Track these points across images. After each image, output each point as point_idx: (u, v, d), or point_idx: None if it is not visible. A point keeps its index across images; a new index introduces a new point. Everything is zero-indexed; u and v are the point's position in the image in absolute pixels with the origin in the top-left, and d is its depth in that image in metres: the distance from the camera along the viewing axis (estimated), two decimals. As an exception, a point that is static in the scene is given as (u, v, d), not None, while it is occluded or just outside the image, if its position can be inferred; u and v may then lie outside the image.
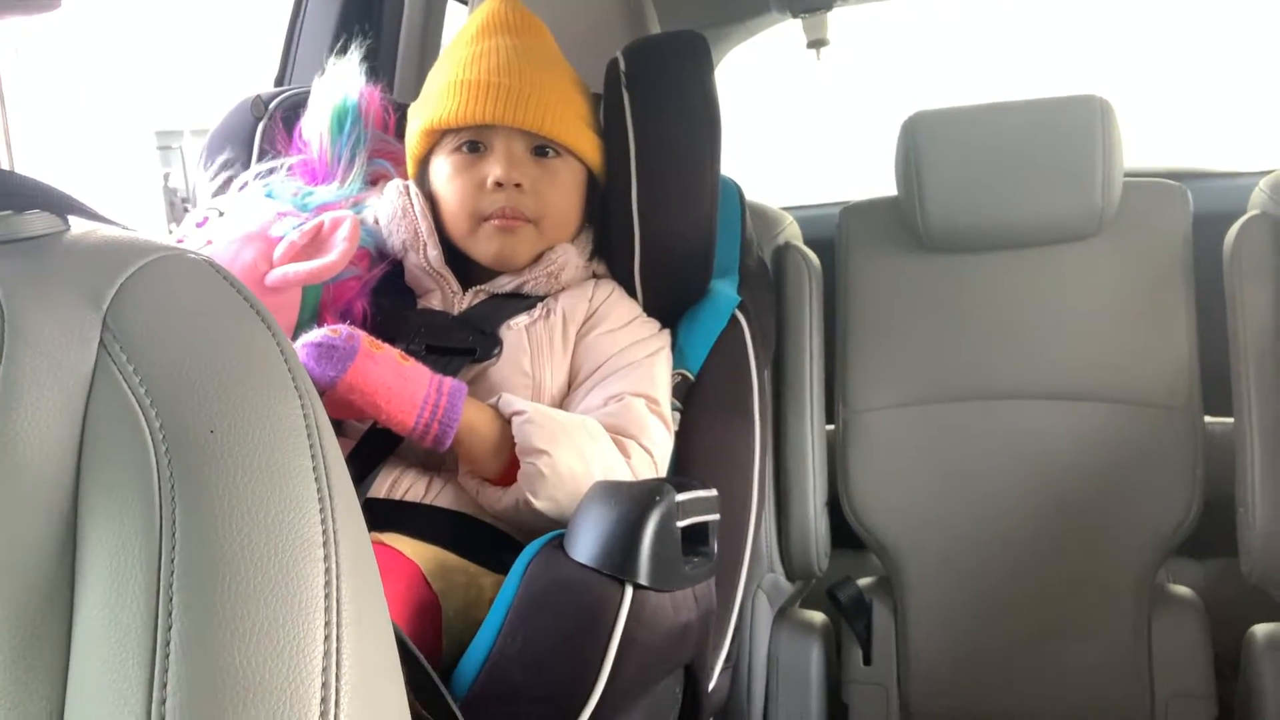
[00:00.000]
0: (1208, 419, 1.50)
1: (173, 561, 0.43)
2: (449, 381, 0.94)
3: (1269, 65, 2.47)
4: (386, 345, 0.93)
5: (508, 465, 0.96)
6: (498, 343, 1.05)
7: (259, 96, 1.26)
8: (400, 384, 0.90)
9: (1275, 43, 2.39)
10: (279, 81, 1.65)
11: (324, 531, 0.46)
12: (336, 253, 0.99)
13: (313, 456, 0.47)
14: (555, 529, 0.91)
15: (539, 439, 0.93)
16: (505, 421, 0.96)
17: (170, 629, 0.42)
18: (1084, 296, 1.54)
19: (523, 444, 0.93)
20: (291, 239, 1.00)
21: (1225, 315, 1.44)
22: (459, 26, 1.22)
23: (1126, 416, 1.50)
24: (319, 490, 0.47)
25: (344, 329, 0.89)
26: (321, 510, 0.46)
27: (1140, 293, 1.52)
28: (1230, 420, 1.44)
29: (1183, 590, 1.52)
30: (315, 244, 1.01)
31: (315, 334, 0.89)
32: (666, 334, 1.13)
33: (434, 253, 1.09)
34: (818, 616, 1.62)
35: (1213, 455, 1.47)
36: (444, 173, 1.09)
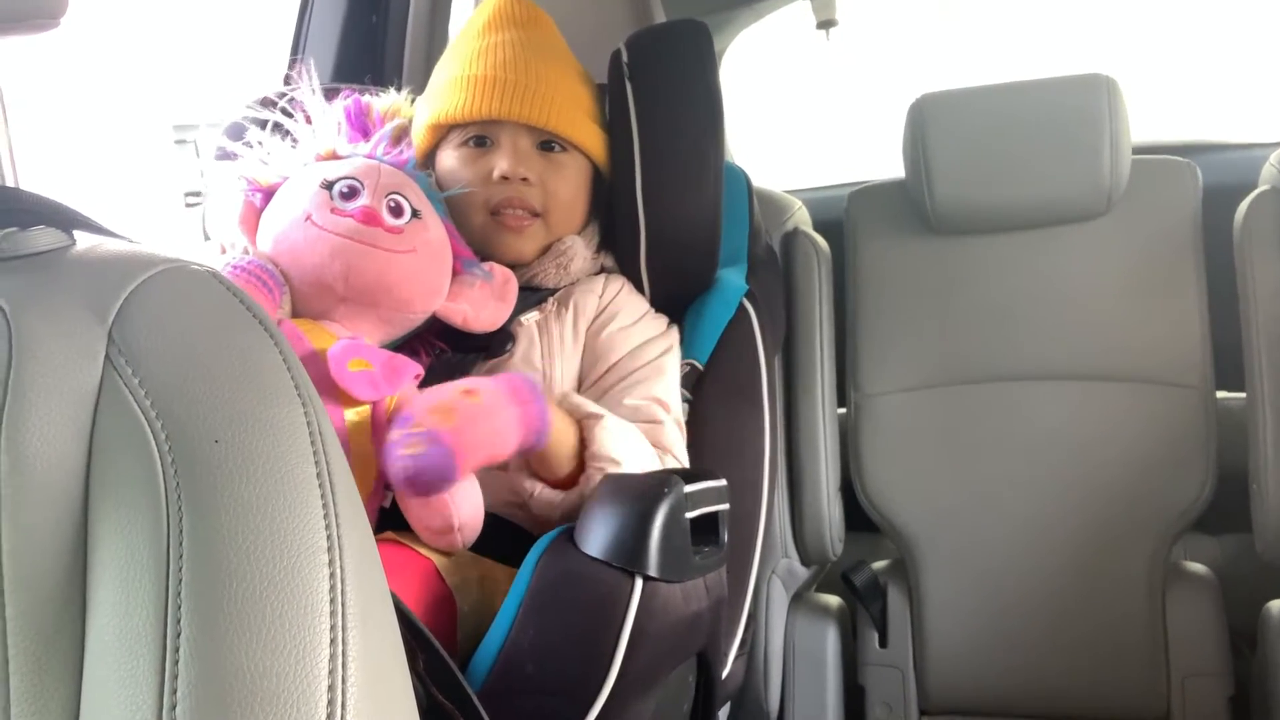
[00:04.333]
0: (1221, 395, 1.50)
1: (180, 570, 0.44)
2: (533, 404, 0.87)
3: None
4: (443, 393, 0.86)
5: (576, 468, 0.95)
6: (510, 339, 1.06)
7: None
8: (488, 440, 0.85)
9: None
10: (288, 75, 1.66)
11: (328, 537, 0.47)
12: (509, 309, 1.04)
13: (316, 463, 0.48)
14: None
15: (616, 447, 0.93)
16: (576, 423, 0.95)
17: (179, 636, 0.43)
18: (1094, 276, 1.53)
19: (599, 450, 0.93)
20: (483, 281, 1.03)
21: (1237, 290, 1.43)
22: (465, 17, 1.22)
23: (1139, 395, 1.50)
24: (323, 496, 0.48)
25: (423, 438, 0.81)
26: (326, 516, 0.47)
27: (1151, 271, 1.51)
28: (1243, 396, 1.44)
29: (1198, 567, 1.52)
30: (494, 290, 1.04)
31: (400, 463, 0.81)
32: (675, 331, 1.14)
33: None
34: (833, 600, 1.62)
35: (1226, 431, 1.47)
36: (450, 166, 1.10)
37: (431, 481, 0.82)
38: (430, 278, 0.97)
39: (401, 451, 0.81)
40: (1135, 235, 1.52)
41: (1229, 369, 1.47)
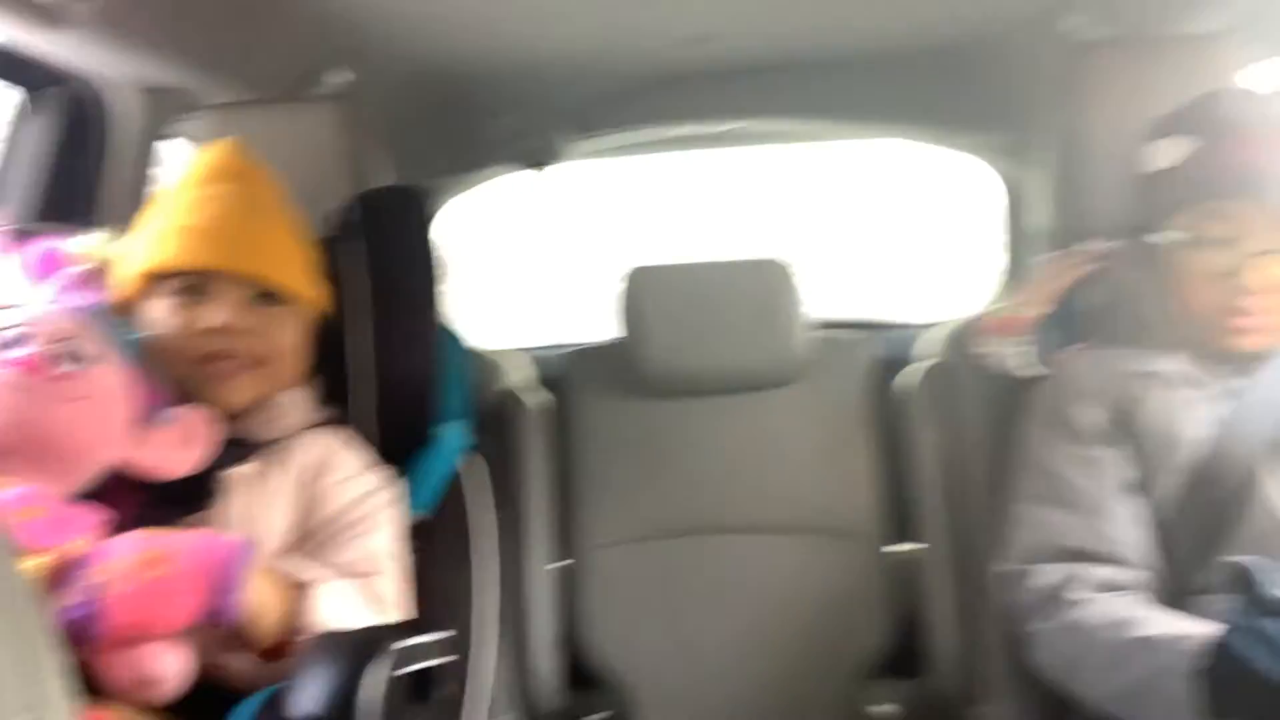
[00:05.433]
0: (899, 546, 1.65)
1: None
2: (224, 594, 0.85)
3: (935, 232, 2.90)
4: (125, 547, 0.84)
5: (288, 635, 0.92)
6: (209, 493, 1.02)
7: None
8: (161, 605, 0.82)
9: (939, 213, 2.81)
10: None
11: (30, 692, 0.45)
12: (201, 455, 0.99)
13: (11, 615, 0.46)
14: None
15: (330, 616, 0.92)
16: (291, 588, 0.93)
17: None
18: (784, 438, 1.69)
19: (311, 621, 0.91)
20: (171, 428, 0.98)
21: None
22: (179, 164, 1.21)
23: (821, 546, 1.64)
24: (18, 650, 0.45)
25: (83, 589, 0.80)
26: (25, 672, 0.45)
27: (830, 433, 1.69)
28: (919, 547, 1.59)
29: (885, 710, 1.62)
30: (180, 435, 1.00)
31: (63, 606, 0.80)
32: (396, 486, 1.14)
33: None
34: (553, 755, 1.61)
35: (906, 580, 1.61)
36: (160, 315, 1.06)
37: (74, 635, 0.80)
38: (104, 425, 0.94)
39: (60, 598, 0.80)
40: (817, 401, 1.70)
41: (906, 521, 1.63)
